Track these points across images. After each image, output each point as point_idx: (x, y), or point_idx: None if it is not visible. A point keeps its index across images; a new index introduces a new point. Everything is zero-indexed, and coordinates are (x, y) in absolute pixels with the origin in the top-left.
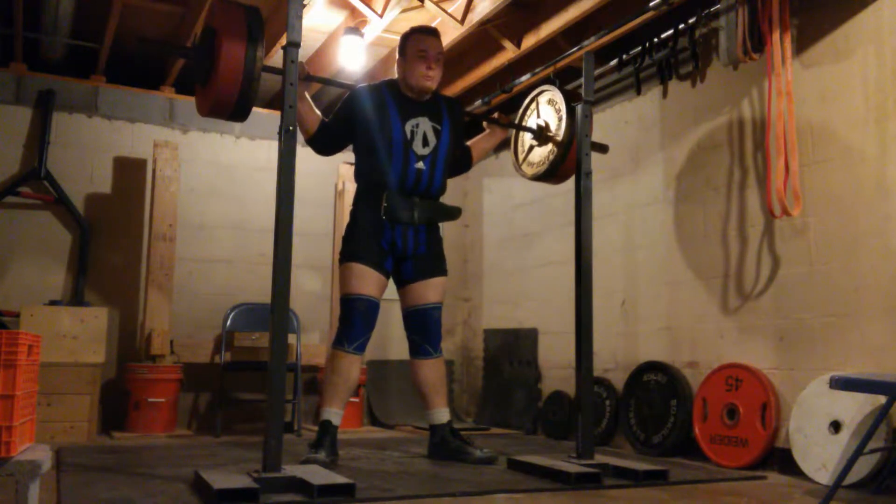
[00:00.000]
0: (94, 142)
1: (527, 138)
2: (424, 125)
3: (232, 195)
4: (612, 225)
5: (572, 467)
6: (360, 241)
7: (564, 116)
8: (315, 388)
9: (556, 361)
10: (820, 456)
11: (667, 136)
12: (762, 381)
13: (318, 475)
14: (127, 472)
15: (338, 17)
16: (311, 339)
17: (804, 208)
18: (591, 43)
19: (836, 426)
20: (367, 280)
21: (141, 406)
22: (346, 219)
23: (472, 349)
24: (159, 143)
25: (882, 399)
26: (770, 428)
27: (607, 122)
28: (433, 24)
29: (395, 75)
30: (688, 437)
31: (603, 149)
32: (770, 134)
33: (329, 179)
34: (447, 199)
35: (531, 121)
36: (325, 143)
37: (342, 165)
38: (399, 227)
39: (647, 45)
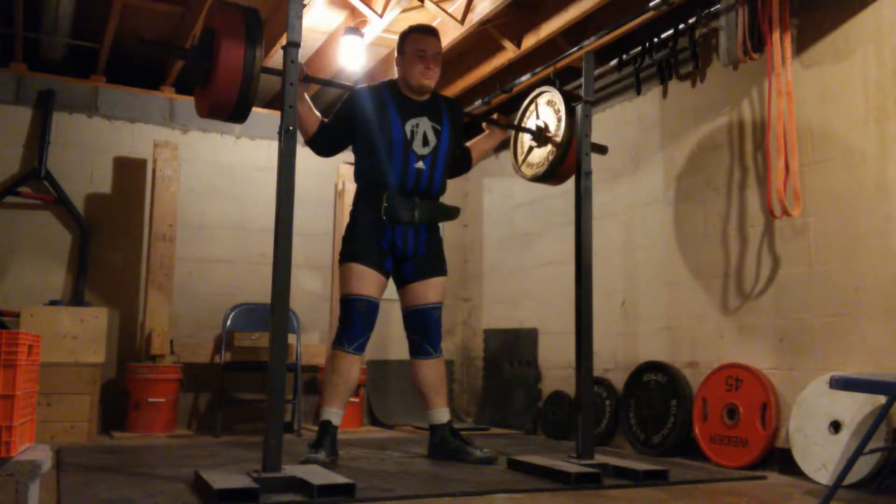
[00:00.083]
0: (94, 142)
1: (526, 139)
2: (424, 125)
3: (232, 195)
4: (612, 225)
5: (572, 467)
6: (360, 242)
7: (564, 117)
8: (315, 388)
9: (556, 361)
10: (820, 456)
11: (667, 136)
12: (762, 381)
13: (318, 475)
14: (127, 472)
15: (338, 17)
16: (311, 339)
17: (804, 208)
18: (591, 43)
19: (836, 426)
20: (367, 280)
21: (141, 406)
22: (346, 219)
23: (472, 349)
24: (159, 143)
25: (882, 399)
26: (770, 428)
27: (607, 122)
28: (433, 24)
29: (396, 75)
30: (688, 437)
31: (602, 150)
32: (770, 134)
33: (329, 179)
34: (447, 199)
35: (530, 122)
36: (324, 144)
37: (342, 165)
38: (399, 227)
39: (647, 45)
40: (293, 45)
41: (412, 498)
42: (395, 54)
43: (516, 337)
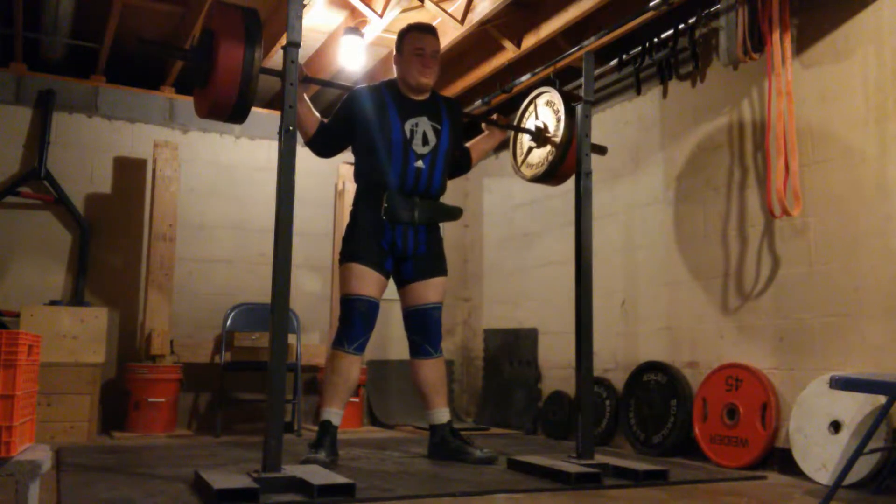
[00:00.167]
0: (94, 142)
1: (525, 140)
2: (424, 124)
3: (232, 195)
4: (612, 225)
5: (572, 467)
6: (360, 242)
7: (563, 117)
8: (315, 388)
9: (556, 361)
10: (820, 456)
11: (667, 136)
12: (762, 381)
13: (318, 475)
14: (127, 472)
15: (338, 17)
16: (311, 339)
17: (804, 208)
18: (591, 43)
19: (836, 426)
20: (367, 280)
21: (141, 406)
22: (346, 219)
23: (472, 349)
24: (159, 143)
25: (882, 399)
26: (770, 428)
27: (607, 122)
28: (433, 24)
29: (395, 75)
30: (688, 437)
31: (601, 151)
32: (770, 134)
33: (329, 179)
34: (447, 199)
35: (529, 122)
36: (324, 145)
37: (342, 165)
38: (399, 227)
39: (647, 45)
40: (293, 45)
41: (412, 498)
42: (394, 53)
43: (516, 337)
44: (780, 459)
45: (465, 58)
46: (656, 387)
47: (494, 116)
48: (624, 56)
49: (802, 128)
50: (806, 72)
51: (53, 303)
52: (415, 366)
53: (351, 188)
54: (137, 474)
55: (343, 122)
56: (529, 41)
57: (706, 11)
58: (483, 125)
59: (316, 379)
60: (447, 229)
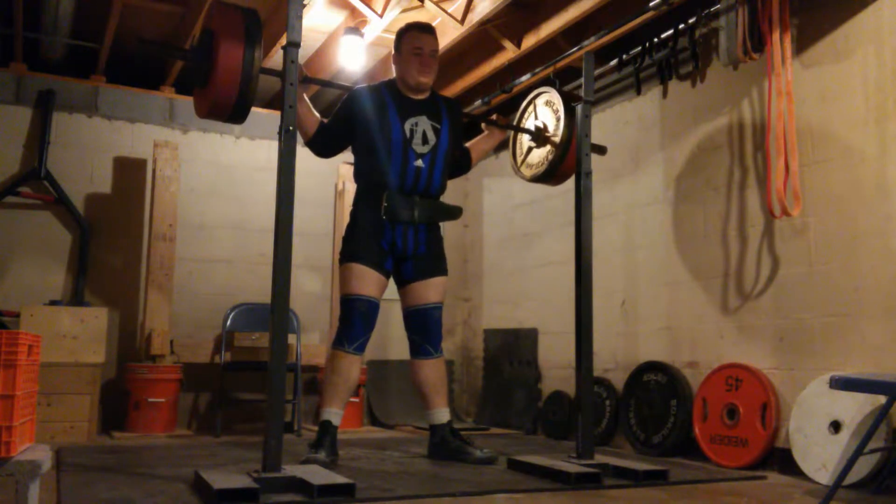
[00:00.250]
0: (94, 142)
1: (525, 140)
2: (423, 124)
3: (232, 195)
4: (612, 225)
5: (572, 467)
6: (360, 242)
7: (562, 117)
8: (315, 388)
9: (556, 361)
10: (820, 456)
11: (667, 136)
12: (762, 381)
13: (318, 475)
14: (127, 472)
15: (338, 17)
16: (311, 339)
17: (804, 208)
18: (591, 43)
19: (836, 426)
20: (367, 280)
21: (141, 406)
22: (346, 219)
23: (472, 349)
24: (159, 143)
25: (882, 399)
26: (770, 428)
27: (607, 122)
28: (433, 24)
29: (394, 74)
30: (688, 437)
31: (601, 150)
32: (770, 134)
33: (329, 179)
34: (447, 199)
35: (529, 122)
36: (324, 145)
37: (342, 165)
38: (399, 227)
39: (647, 45)
40: (293, 45)
41: (412, 498)
42: (393, 53)
43: (516, 337)
44: (780, 459)
45: (465, 58)
46: (656, 387)
47: (494, 116)
48: (624, 56)
49: (802, 128)
50: (806, 72)
51: (53, 303)
52: (415, 366)
53: (351, 188)
54: (137, 474)
55: (343, 122)
56: (529, 41)
57: (706, 11)
58: (483, 125)
59: (316, 379)
60: (447, 229)
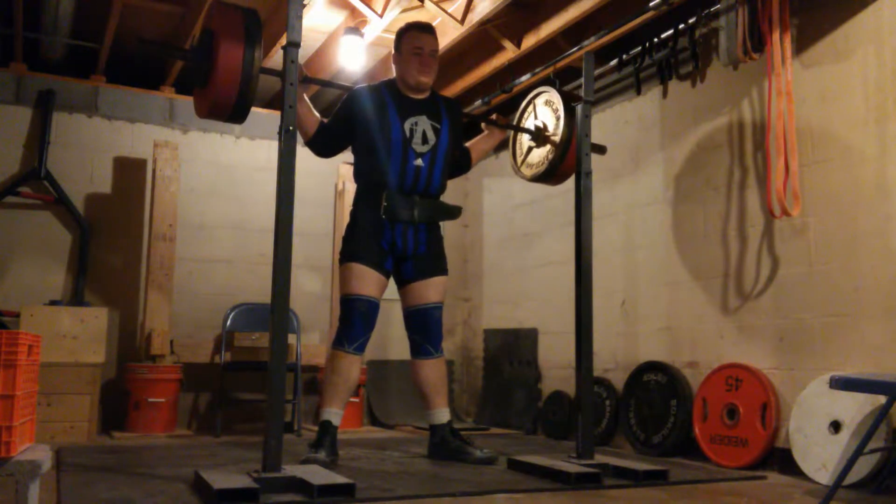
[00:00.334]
0: (94, 142)
1: (525, 140)
2: (423, 123)
3: (232, 195)
4: (612, 225)
5: (572, 467)
6: (360, 242)
7: (562, 116)
8: (315, 388)
9: (556, 361)
10: (820, 456)
11: (667, 136)
12: (762, 381)
13: (318, 475)
14: (127, 472)
15: (338, 17)
16: (311, 339)
17: (804, 208)
18: (591, 43)
19: (836, 426)
20: (367, 280)
21: (141, 406)
22: (346, 219)
23: (472, 349)
24: (159, 143)
25: (882, 399)
26: (770, 428)
27: (607, 122)
28: (433, 24)
29: (394, 74)
30: (688, 437)
31: (601, 150)
32: (770, 134)
33: (329, 179)
34: (447, 199)
35: (529, 122)
36: (324, 145)
37: (342, 165)
38: (399, 227)
39: (647, 45)
40: (293, 45)
41: (412, 498)
42: (392, 52)
43: (516, 337)
44: (780, 459)
45: (465, 58)
46: (656, 387)
47: (494, 116)
48: (624, 56)
49: (802, 128)
50: (806, 72)
51: (53, 303)
52: (415, 366)
53: (351, 188)
54: (137, 474)
55: (343, 121)
56: (529, 41)
57: (706, 11)
58: (483, 125)
59: (316, 379)
60: (447, 229)
